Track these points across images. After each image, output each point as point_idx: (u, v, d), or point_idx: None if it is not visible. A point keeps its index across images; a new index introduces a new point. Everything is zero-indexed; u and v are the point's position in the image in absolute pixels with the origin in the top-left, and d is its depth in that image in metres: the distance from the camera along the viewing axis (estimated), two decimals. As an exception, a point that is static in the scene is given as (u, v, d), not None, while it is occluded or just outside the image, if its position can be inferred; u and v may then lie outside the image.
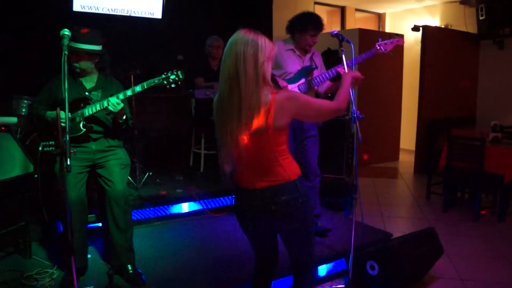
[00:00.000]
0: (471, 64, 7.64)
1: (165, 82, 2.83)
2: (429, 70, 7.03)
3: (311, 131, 3.58)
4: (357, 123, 2.80)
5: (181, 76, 2.85)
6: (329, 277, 3.44)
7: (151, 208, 4.11)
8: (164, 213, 4.19)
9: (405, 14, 8.89)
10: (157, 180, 4.74)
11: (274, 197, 2.03)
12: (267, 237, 2.25)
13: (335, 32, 3.06)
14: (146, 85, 2.82)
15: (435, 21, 8.26)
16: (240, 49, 1.93)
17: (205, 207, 4.39)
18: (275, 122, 1.95)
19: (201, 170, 5.19)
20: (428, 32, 6.94)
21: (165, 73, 2.84)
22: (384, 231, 3.98)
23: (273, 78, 2.24)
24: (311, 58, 3.52)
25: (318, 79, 3.38)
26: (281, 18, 6.86)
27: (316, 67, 3.47)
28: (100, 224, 3.54)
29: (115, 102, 2.78)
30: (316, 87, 3.48)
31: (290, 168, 2.07)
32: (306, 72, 3.41)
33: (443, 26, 7.97)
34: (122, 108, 2.84)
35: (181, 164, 5.45)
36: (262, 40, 1.97)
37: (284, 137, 2.06)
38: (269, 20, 6.68)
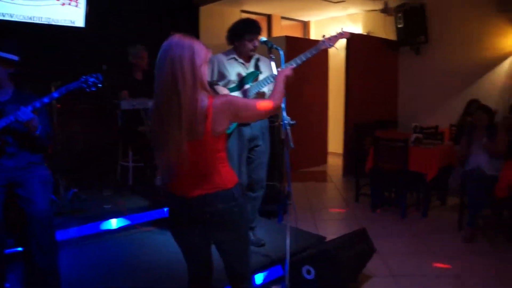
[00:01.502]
0: (392, 69, 8.02)
1: (84, 86, 2.71)
2: (353, 75, 7.29)
3: (259, 140, 3.53)
4: (289, 129, 2.81)
5: (101, 78, 2.73)
6: (266, 284, 3.41)
7: (78, 227, 3.88)
8: (92, 231, 3.97)
9: (329, 22, 9.17)
10: (83, 196, 4.50)
11: (210, 205, 1.98)
12: (203, 248, 2.18)
13: (264, 39, 3.08)
14: (65, 89, 2.68)
15: (357, 29, 8.59)
16: (176, 54, 1.87)
17: (135, 222, 4.23)
18: (213, 128, 1.91)
19: (130, 183, 5.01)
20: (351, 39, 7.18)
21: (83, 76, 2.72)
22: (318, 235, 4.03)
23: (211, 84, 2.21)
24: (256, 64, 3.48)
25: (266, 81, 3.33)
26: (208, 27, 6.89)
27: (261, 72, 3.44)
28: (20, 249, 3.28)
29: (24, 112, 2.60)
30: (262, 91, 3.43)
31: (227, 176, 2.03)
32: (250, 78, 3.38)
33: (365, 33, 8.31)
34: (32, 120, 2.66)
35: (108, 179, 5.23)
36: (197, 44, 1.94)
37: (222, 144, 2.02)
38: (195, 29, 6.62)
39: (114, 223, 4.13)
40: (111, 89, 4.65)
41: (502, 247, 4.22)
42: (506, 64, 6.65)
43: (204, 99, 1.91)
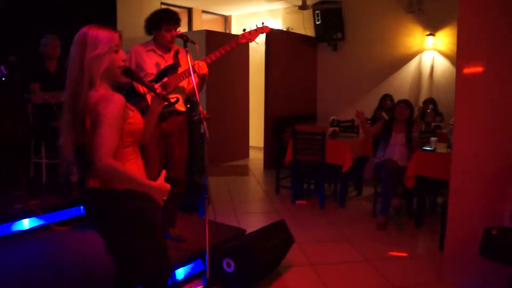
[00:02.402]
0: (311, 65, 8.24)
1: None
2: (273, 70, 7.40)
3: (178, 135, 3.42)
4: (205, 123, 2.79)
5: (4, 71, 2.54)
6: (188, 279, 3.38)
7: (-15, 229, 3.62)
8: (1, 233, 3.71)
9: (250, 17, 9.25)
10: (-10, 196, 4.20)
11: (93, 199, 1.98)
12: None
13: (180, 33, 3.03)
14: None
15: (277, 24, 8.74)
16: (71, 50, 1.87)
17: (49, 221, 4.01)
18: (92, 127, 1.84)
19: (43, 181, 4.74)
20: (271, 35, 7.29)
21: None
22: (238, 228, 4.06)
23: (137, 77, 2.09)
24: (175, 56, 3.36)
25: (184, 74, 3.23)
26: (126, 18, 6.67)
27: (180, 65, 3.35)
28: None
29: None
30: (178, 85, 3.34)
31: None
32: (168, 71, 3.26)
33: (285, 29, 8.46)
34: None
35: (19, 177, 4.90)
36: (94, 34, 1.86)
37: None
38: (113, 20, 6.38)
39: (26, 223, 3.89)
40: (21, 82, 4.36)
41: (411, 233, 4.49)
42: (414, 62, 7.09)
43: (92, 96, 1.86)
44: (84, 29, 1.88)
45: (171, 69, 3.30)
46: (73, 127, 1.87)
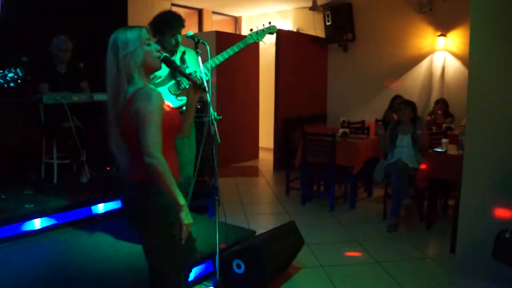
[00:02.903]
0: (321, 66, 8.22)
1: (2, 81, 2.53)
2: (283, 71, 7.40)
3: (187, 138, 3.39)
4: (215, 125, 2.79)
5: (20, 74, 2.56)
6: (198, 280, 3.39)
7: (-4, 229, 3.64)
8: (12, 233, 3.73)
9: (260, 18, 9.24)
10: (2, 196, 4.23)
11: (127, 191, 2.08)
12: None
13: (191, 34, 3.02)
14: None
15: (287, 25, 8.73)
16: (106, 55, 1.99)
17: (60, 221, 4.03)
18: (131, 121, 1.93)
19: (55, 181, 4.77)
20: (281, 36, 7.30)
21: (1, 71, 2.54)
22: (248, 229, 4.06)
23: (176, 66, 2.17)
24: (181, 58, 3.37)
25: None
26: (137, 20, 6.69)
27: (187, 66, 3.34)
28: None
29: None
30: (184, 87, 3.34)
31: (141, 168, 1.95)
32: (176, 73, 3.28)
33: (295, 30, 8.45)
34: None
35: (30, 177, 4.94)
36: (122, 35, 1.98)
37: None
38: (124, 20, 6.41)
39: (37, 223, 3.91)
40: (33, 82, 4.39)
41: (421, 235, 4.46)
42: (425, 63, 7.04)
43: (130, 91, 1.95)
44: (113, 34, 2.00)
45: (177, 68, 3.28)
46: (117, 123, 1.98)
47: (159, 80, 3.26)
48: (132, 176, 2.04)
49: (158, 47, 2.07)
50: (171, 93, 3.25)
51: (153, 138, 1.89)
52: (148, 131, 1.88)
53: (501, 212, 3.06)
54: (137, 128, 1.90)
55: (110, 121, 2.00)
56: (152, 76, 3.25)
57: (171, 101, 3.24)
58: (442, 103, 6.44)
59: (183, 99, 3.29)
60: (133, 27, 2.03)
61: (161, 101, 1.96)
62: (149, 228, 2.08)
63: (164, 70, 3.27)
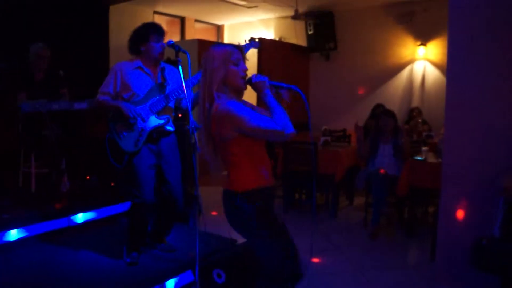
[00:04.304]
0: (303, 74, 8.27)
1: None
2: (265, 79, 7.39)
3: (168, 157, 3.31)
4: (195, 134, 2.77)
5: None
6: (178, 290, 3.36)
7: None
8: (-12, 243, 3.67)
9: (243, 27, 9.27)
10: (-22, 206, 4.14)
11: (223, 199, 2.25)
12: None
13: (172, 42, 2.98)
14: None
15: (270, 34, 8.77)
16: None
17: (38, 232, 3.95)
18: (218, 133, 2.10)
19: (33, 190, 4.69)
20: (263, 44, 7.32)
21: None
22: (229, 238, 4.02)
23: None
24: (162, 75, 3.23)
25: (174, 94, 3.15)
26: (118, 27, 6.66)
27: (168, 83, 3.20)
28: None
29: None
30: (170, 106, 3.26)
31: (238, 179, 2.19)
32: (157, 90, 3.19)
33: (277, 39, 8.49)
34: None
35: (7, 186, 4.84)
36: (211, 51, 2.15)
37: (236, 149, 2.14)
38: (105, 28, 6.38)
39: (14, 234, 3.83)
40: (10, 90, 4.32)
41: (402, 243, 4.49)
42: (406, 72, 7.14)
43: (215, 106, 2.07)
44: (209, 47, 2.17)
45: (159, 88, 3.19)
46: (210, 138, 2.16)
47: (138, 98, 3.18)
48: (230, 185, 2.22)
49: (246, 68, 2.19)
50: (152, 112, 3.18)
51: (266, 134, 2.14)
52: (257, 132, 2.10)
53: (479, 219, 3.10)
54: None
55: (203, 136, 2.20)
56: (130, 93, 3.16)
57: (150, 120, 3.19)
58: (417, 111, 6.55)
59: (163, 119, 3.23)
60: (227, 44, 2.21)
61: (240, 105, 2.11)
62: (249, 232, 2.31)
63: (144, 87, 3.19)
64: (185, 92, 2.84)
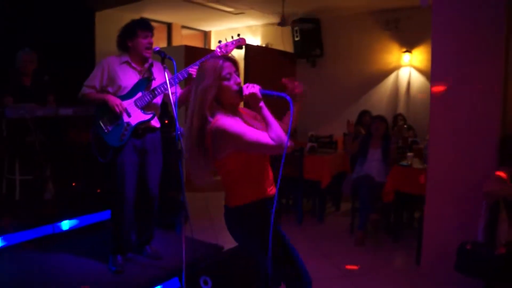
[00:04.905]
0: (290, 80, 8.27)
1: None
2: (252, 86, 7.40)
3: (150, 154, 3.34)
4: (182, 140, 2.76)
5: None
6: (164, 297, 3.34)
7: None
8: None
9: (230, 33, 9.17)
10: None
11: (225, 216, 2.36)
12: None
13: (157, 48, 2.99)
14: None
15: (256, 40, 8.79)
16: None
17: (21, 240, 3.90)
18: (213, 152, 2.06)
19: (17, 198, 4.62)
20: (250, 50, 7.34)
21: None
22: (216, 245, 4.01)
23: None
24: (148, 70, 3.27)
25: (160, 89, 3.16)
26: (105, 33, 6.60)
27: (154, 78, 3.26)
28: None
29: None
30: (159, 96, 3.27)
31: (236, 194, 2.25)
32: (143, 85, 3.21)
33: (264, 45, 8.52)
34: None
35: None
36: (202, 66, 2.09)
37: (232, 165, 2.13)
38: (91, 34, 6.34)
39: (-3, 242, 3.79)
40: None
41: (388, 248, 4.51)
42: (391, 78, 7.20)
43: (210, 123, 2.01)
44: (200, 63, 2.20)
45: (145, 83, 3.22)
46: (202, 155, 2.07)
47: (125, 92, 3.19)
48: (228, 201, 2.30)
49: (239, 80, 2.11)
50: (137, 107, 3.19)
51: (261, 149, 2.09)
52: (253, 146, 2.05)
53: (463, 224, 3.13)
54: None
55: (192, 153, 2.11)
56: (115, 87, 3.19)
57: (136, 115, 3.19)
58: (401, 117, 6.62)
59: (149, 114, 3.23)
60: (220, 57, 2.10)
61: (237, 120, 2.09)
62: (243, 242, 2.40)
63: (130, 81, 3.20)
64: (169, 90, 2.82)
